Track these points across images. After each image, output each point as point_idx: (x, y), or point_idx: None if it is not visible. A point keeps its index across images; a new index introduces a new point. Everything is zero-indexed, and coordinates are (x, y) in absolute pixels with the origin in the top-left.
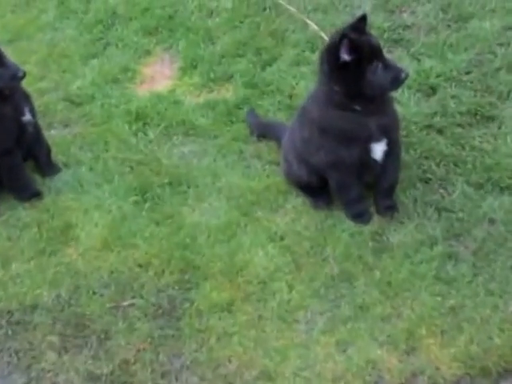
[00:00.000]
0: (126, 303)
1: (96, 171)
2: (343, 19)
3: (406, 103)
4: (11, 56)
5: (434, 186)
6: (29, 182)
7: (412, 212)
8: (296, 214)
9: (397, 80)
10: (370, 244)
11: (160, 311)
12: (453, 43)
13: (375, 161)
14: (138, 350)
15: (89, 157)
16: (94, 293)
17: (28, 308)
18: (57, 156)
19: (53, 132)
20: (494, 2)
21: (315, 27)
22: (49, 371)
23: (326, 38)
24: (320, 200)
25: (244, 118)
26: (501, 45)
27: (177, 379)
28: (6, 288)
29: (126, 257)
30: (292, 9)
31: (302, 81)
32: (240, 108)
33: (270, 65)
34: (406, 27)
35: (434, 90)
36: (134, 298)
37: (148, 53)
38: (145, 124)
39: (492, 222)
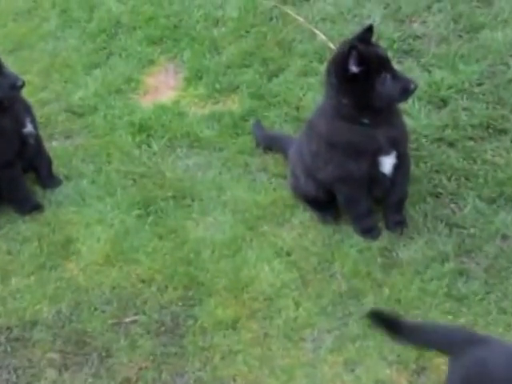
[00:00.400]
0: (128, 320)
1: (98, 184)
2: (352, 29)
3: (416, 115)
4: (13, 66)
5: (445, 201)
6: (29, 195)
7: (422, 227)
8: (303, 228)
9: (406, 91)
10: (379, 260)
11: (163, 328)
12: (464, 54)
13: (384, 174)
14: (140, 368)
15: (91, 169)
16: (96, 309)
17: (28, 324)
18: (58, 168)
19: (54, 144)
20: (507, 13)
21: (323, 37)
22: None
23: (334, 49)
24: (327, 214)
25: (250, 130)
26: None
27: None
28: (6, 303)
29: (128, 272)
30: (300, 18)
31: (309, 92)
32: (246, 120)
33: (277, 76)
34: (417, 37)
35: (445, 102)
36: (136, 314)
37: (152, 63)
38: (148, 136)
39: (505, 238)
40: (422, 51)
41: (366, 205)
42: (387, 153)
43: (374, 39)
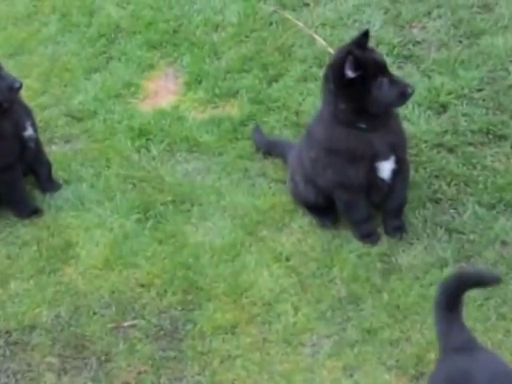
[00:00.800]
0: (127, 324)
1: (97, 188)
2: (351, 35)
3: (415, 121)
4: (12, 70)
5: (445, 207)
6: (28, 199)
7: (421, 233)
8: (302, 233)
9: (403, 95)
10: (378, 265)
11: (162, 332)
12: (464, 60)
13: (383, 180)
14: (139, 373)
15: (90, 173)
16: (95, 313)
17: (27, 328)
18: (57, 172)
19: (53, 148)
20: (507, 19)
21: (323, 42)
22: None
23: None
24: (327, 219)
25: (249, 135)
26: None
27: None
28: (5, 307)
29: (127, 276)
30: (299, 24)
31: (308, 97)
32: (245, 125)
33: (277, 81)
34: (417, 43)
35: (444, 107)
36: (135, 318)
37: (152, 67)
38: (148, 140)
39: (504, 244)
40: (421, 57)
41: (365, 210)
42: (386, 158)
43: (373, 44)
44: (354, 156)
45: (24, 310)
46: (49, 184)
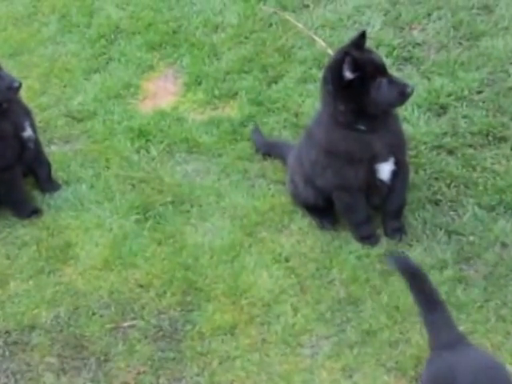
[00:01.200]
0: (126, 324)
1: (97, 189)
2: (351, 36)
3: (415, 123)
4: (12, 70)
5: (444, 208)
6: (28, 199)
7: (421, 234)
8: (302, 235)
9: (403, 95)
10: (378, 267)
11: (161, 333)
12: (464, 61)
13: (382, 181)
14: (138, 373)
15: (90, 174)
16: (94, 313)
17: (26, 328)
18: (57, 173)
19: (53, 148)
20: (507, 20)
21: (323, 44)
22: None
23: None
24: (326, 221)
25: (249, 136)
26: None
27: None
28: (4, 307)
29: (126, 277)
30: (299, 25)
31: (308, 99)
32: (245, 126)
33: (276, 82)
34: (417, 45)
35: (444, 109)
36: (134, 319)
37: (151, 68)
38: (147, 141)
39: (504, 245)
40: (421, 58)
41: (364, 212)
42: (385, 159)
43: (373, 46)
44: (353, 157)
45: (23, 310)
46: (48, 184)
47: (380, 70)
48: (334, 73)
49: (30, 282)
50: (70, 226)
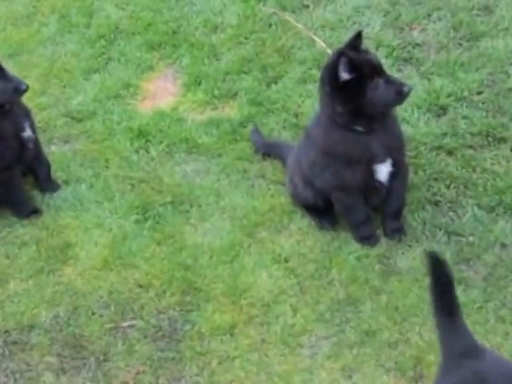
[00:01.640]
0: (125, 324)
1: (96, 189)
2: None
3: (415, 123)
4: (12, 70)
5: (444, 209)
6: (28, 199)
7: (420, 235)
8: (301, 235)
9: (400, 94)
10: (377, 267)
11: (160, 333)
12: (464, 62)
13: (380, 182)
14: (138, 373)
15: (89, 174)
16: (93, 313)
17: (25, 328)
18: (56, 173)
19: (53, 148)
20: (507, 21)
21: (322, 44)
22: None
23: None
24: (326, 221)
25: (248, 136)
26: None
27: None
28: (4, 307)
29: (126, 277)
30: (299, 25)
31: (308, 99)
32: (244, 126)
33: (276, 82)
34: (416, 45)
35: (444, 110)
36: (133, 319)
37: (151, 68)
38: (147, 141)
39: (503, 246)
40: (421, 59)
41: (363, 212)
42: (382, 160)
43: (373, 47)
44: (351, 158)
45: (23, 309)
46: (48, 184)
47: (377, 70)
48: (330, 74)
49: (30, 282)
50: (69, 225)
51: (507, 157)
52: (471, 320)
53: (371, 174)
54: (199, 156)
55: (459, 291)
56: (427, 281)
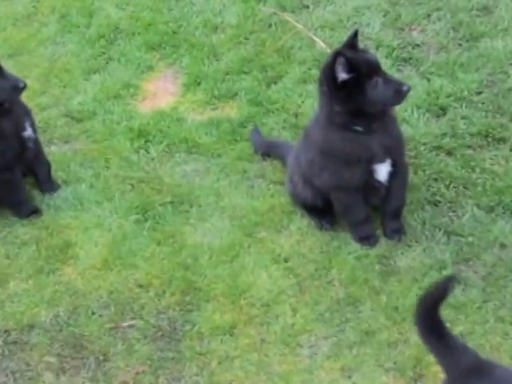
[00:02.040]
0: (125, 324)
1: (96, 189)
2: None
3: (414, 123)
4: (12, 70)
5: (443, 209)
6: (28, 199)
7: (420, 235)
8: (301, 235)
9: (399, 93)
10: (377, 267)
11: (160, 333)
12: (464, 63)
13: (380, 182)
14: (137, 373)
15: (89, 174)
16: (93, 313)
17: (25, 327)
18: (56, 173)
19: (53, 148)
20: (507, 22)
21: (322, 44)
22: None
23: None
24: (325, 221)
25: (248, 136)
26: None
27: None
28: (3, 307)
29: (126, 277)
30: (299, 25)
31: (307, 99)
32: (244, 126)
33: (276, 82)
34: (416, 46)
35: (443, 110)
36: (133, 319)
37: (151, 68)
38: (147, 141)
39: (503, 246)
40: (421, 59)
41: (363, 212)
42: (382, 160)
43: (373, 47)
44: (350, 158)
45: (23, 309)
46: (48, 184)
47: (375, 69)
48: (328, 74)
49: (30, 282)
50: (69, 225)
51: (506, 157)
52: (470, 320)
53: (371, 173)
54: (199, 156)
55: (458, 291)
56: (427, 281)
